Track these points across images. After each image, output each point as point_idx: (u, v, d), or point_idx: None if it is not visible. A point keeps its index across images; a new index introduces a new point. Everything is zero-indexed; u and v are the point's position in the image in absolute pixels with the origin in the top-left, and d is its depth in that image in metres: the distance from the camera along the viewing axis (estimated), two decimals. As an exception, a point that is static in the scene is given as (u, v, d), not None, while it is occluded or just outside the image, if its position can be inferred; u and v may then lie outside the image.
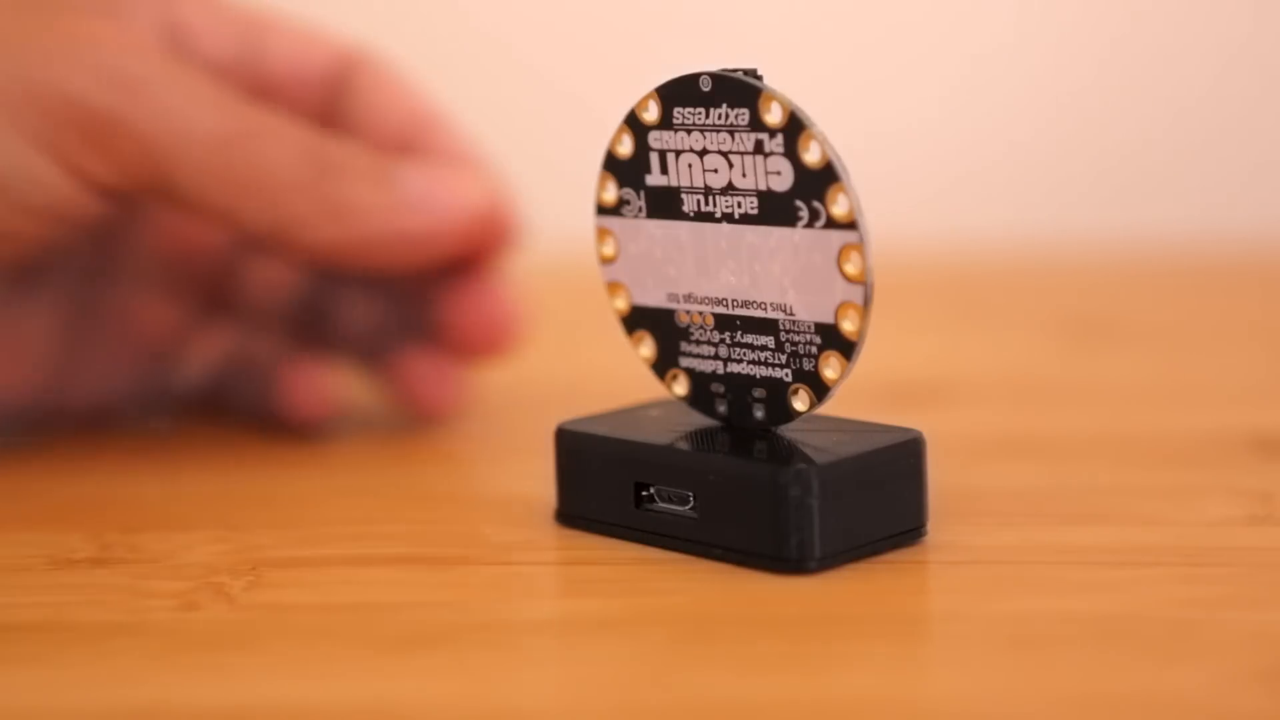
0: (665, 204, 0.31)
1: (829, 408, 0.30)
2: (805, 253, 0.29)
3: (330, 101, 0.40)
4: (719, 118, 0.30)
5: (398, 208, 0.36)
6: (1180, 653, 0.26)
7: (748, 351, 0.31)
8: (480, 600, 0.29)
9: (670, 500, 0.31)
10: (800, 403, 0.30)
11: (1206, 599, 0.28)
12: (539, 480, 0.34)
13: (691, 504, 0.30)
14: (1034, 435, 0.40)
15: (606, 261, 0.32)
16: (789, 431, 0.31)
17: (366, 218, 0.36)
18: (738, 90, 0.30)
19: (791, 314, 0.30)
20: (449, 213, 0.37)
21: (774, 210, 0.30)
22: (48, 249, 0.37)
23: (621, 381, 0.41)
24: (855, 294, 0.29)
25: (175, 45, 0.38)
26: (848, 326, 0.29)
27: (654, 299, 0.32)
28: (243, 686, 0.26)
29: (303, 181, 0.35)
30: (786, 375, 0.30)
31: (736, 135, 0.30)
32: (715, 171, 0.30)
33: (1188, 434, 0.39)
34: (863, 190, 0.29)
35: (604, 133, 0.32)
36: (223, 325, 0.42)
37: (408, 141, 0.40)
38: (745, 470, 0.29)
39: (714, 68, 0.30)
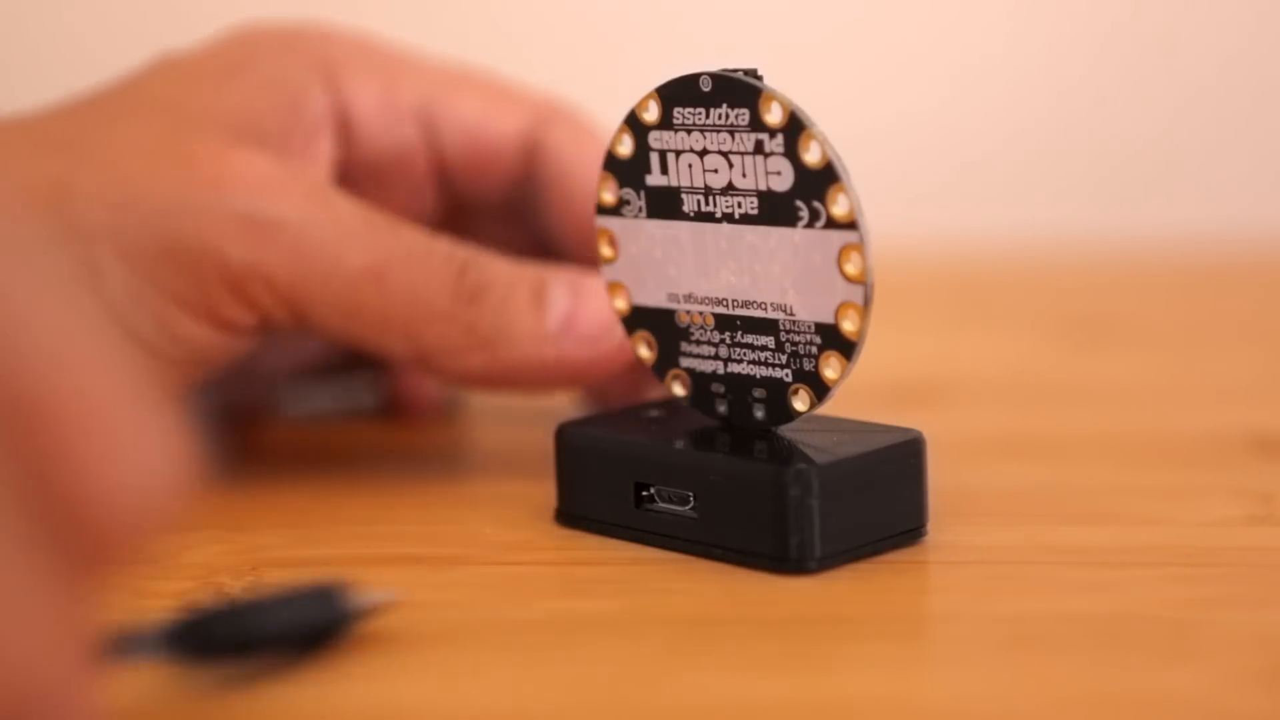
0: (665, 204, 0.31)
1: (829, 408, 0.30)
2: (805, 253, 0.29)
3: (523, 167, 0.39)
4: (719, 118, 0.30)
5: (548, 337, 0.35)
6: (1180, 653, 0.26)
7: (748, 351, 0.31)
8: (480, 600, 0.29)
9: (670, 500, 0.31)
10: (800, 403, 0.30)
11: (1206, 599, 0.28)
12: (539, 480, 0.34)
13: (692, 504, 0.30)
14: (1034, 435, 0.40)
15: (606, 262, 0.32)
16: (789, 432, 0.31)
17: (517, 345, 0.34)
18: (738, 90, 0.29)
19: (792, 314, 0.30)
20: (597, 342, 0.35)
21: (774, 210, 0.30)
22: (201, 379, 0.36)
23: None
24: (855, 294, 0.29)
25: (345, 146, 0.37)
26: (848, 326, 0.29)
27: (654, 299, 0.32)
28: (241, 686, 0.25)
29: (448, 311, 0.34)
30: (787, 375, 0.30)
31: (737, 135, 0.30)
32: (715, 171, 0.30)
33: (1188, 434, 0.39)
34: (863, 190, 0.29)
35: (604, 133, 0.32)
36: None
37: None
38: (746, 470, 0.29)
39: (714, 68, 0.30)
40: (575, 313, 0.34)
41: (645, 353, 0.32)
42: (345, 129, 0.37)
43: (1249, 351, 0.50)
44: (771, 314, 0.30)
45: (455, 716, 0.25)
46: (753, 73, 0.30)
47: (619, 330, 0.33)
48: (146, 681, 0.26)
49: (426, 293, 0.34)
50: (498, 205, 0.40)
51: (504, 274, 0.35)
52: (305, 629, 0.26)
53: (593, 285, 0.34)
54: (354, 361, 0.41)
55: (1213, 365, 0.48)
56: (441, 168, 0.39)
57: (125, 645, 0.25)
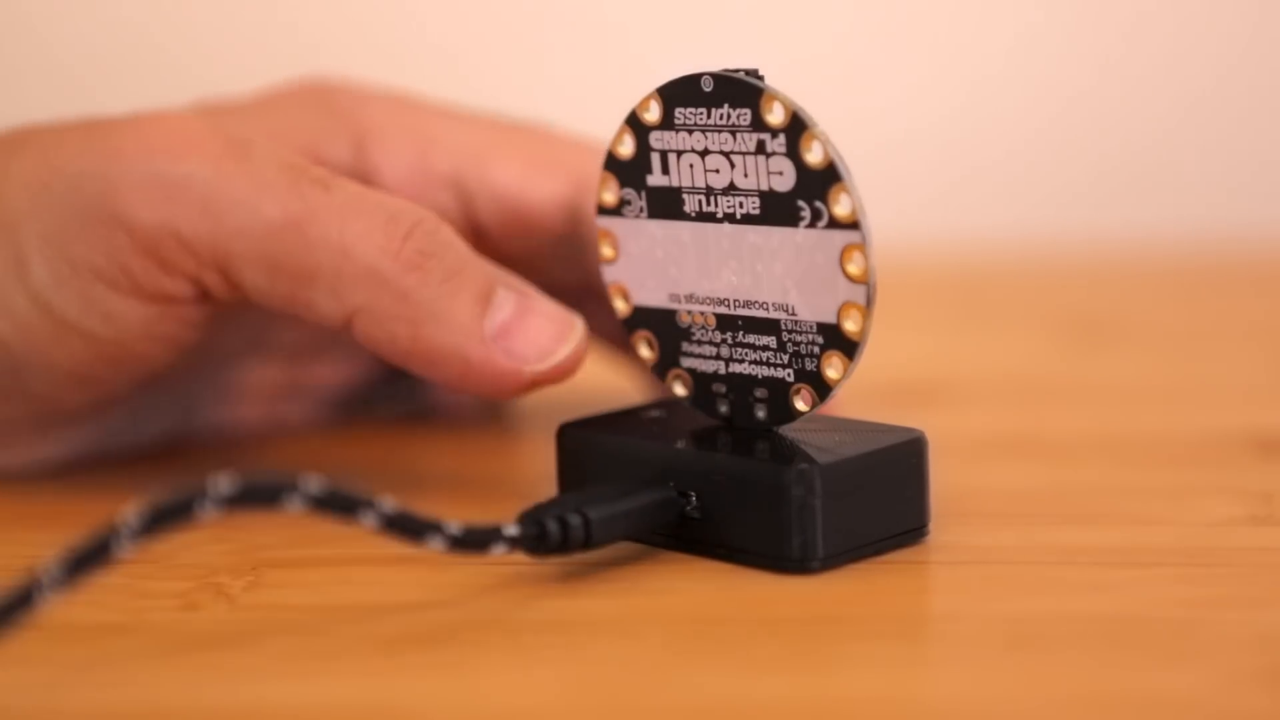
0: (666, 204, 0.31)
1: (831, 407, 0.30)
2: (807, 253, 0.29)
3: (566, 230, 0.38)
4: (720, 118, 0.30)
5: (479, 336, 0.32)
6: (1181, 653, 0.26)
7: (749, 351, 0.31)
8: (480, 600, 0.29)
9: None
10: (802, 403, 0.30)
11: (1207, 599, 0.28)
12: (540, 480, 0.34)
13: (694, 504, 0.30)
14: (1034, 435, 0.40)
15: (607, 262, 0.32)
16: (791, 431, 0.31)
17: (445, 330, 0.32)
18: (739, 90, 0.29)
19: (793, 314, 0.30)
20: (524, 362, 0.33)
21: (776, 210, 0.29)
22: (164, 362, 0.35)
23: (623, 381, 0.41)
24: (858, 294, 0.29)
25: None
26: (850, 326, 0.29)
27: (655, 299, 0.32)
28: (243, 687, 0.25)
29: (382, 269, 0.32)
30: (788, 375, 0.30)
31: (738, 135, 0.30)
32: (717, 172, 0.30)
33: (1188, 434, 0.39)
34: (864, 192, 0.29)
35: (605, 133, 0.32)
36: None
37: None
38: (748, 470, 0.29)
39: (716, 68, 0.30)
40: (514, 326, 0.33)
41: (646, 353, 0.32)
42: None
43: (1250, 351, 0.50)
44: (773, 314, 0.30)
45: (455, 716, 0.25)
46: (754, 73, 0.29)
47: (552, 361, 0.33)
48: (146, 679, 0.26)
49: (359, 247, 0.32)
50: (543, 259, 0.38)
51: (457, 253, 0.33)
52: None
53: (544, 308, 0.33)
54: (394, 374, 0.41)
55: (1213, 365, 0.48)
56: (478, 233, 0.38)
57: (480, 538, 0.28)
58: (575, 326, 0.33)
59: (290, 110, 0.37)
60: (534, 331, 0.33)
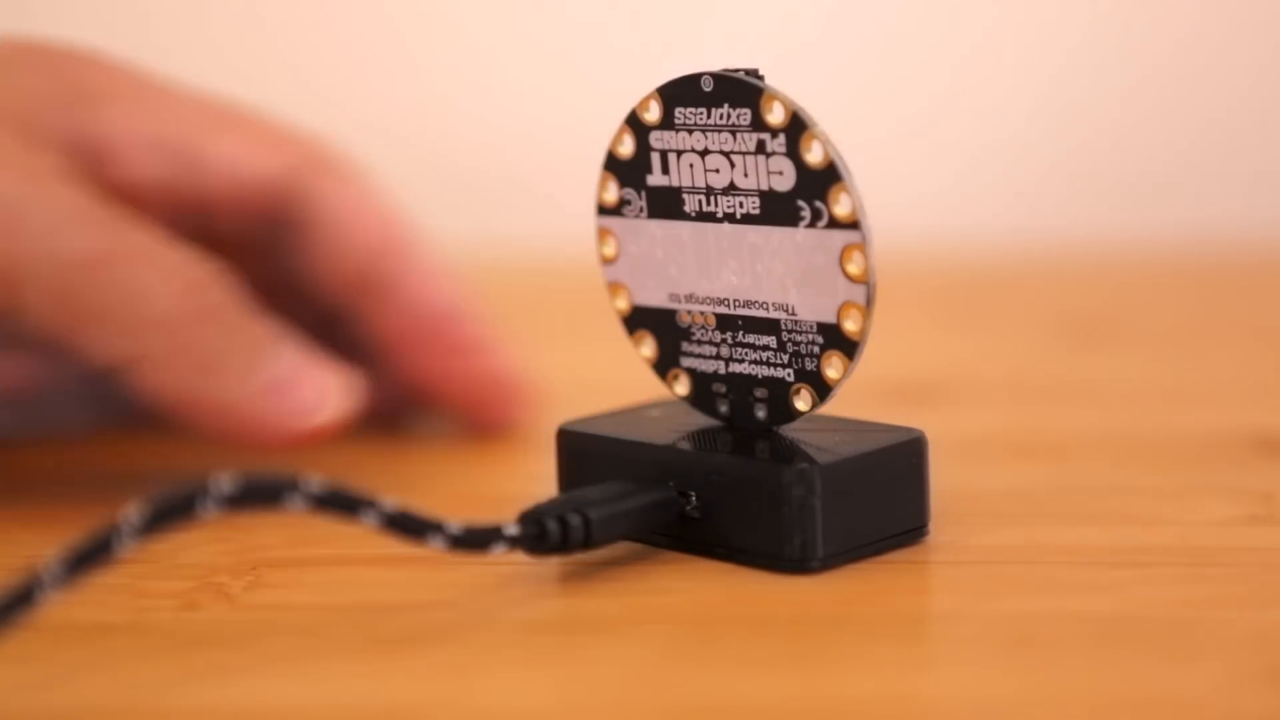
0: (667, 204, 0.31)
1: (830, 407, 0.30)
2: (807, 253, 0.29)
3: (282, 210, 0.38)
4: (720, 118, 0.30)
5: (251, 393, 0.33)
6: (1182, 653, 0.26)
7: (749, 351, 0.31)
8: (480, 600, 0.29)
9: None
10: (802, 403, 0.30)
11: (1208, 599, 0.28)
12: (540, 480, 0.33)
13: (693, 504, 0.30)
14: (1034, 435, 0.40)
15: (607, 262, 0.32)
16: (791, 431, 0.31)
17: (220, 385, 0.33)
18: (739, 90, 0.29)
19: (793, 314, 0.30)
20: (290, 426, 0.34)
21: (776, 210, 0.29)
22: None
23: (623, 381, 0.41)
24: (858, 294, 0.29)
25: (91, 167, 0.36)
26: (850, 326, 0.29)
27: (655, 299, 0.32)
28: (243, 686, 0.25)
29: (167, 319, 0.33)
30: (788, 375, 0.30)
31: (738, 135, 0.29)
32: (717, 171, 0.30)
33: (1188, 434, 0.39)
34: (865, 190, 0.28)
35: (605, 132, 0.32)
36: None
37: (363, 272, 0.38)
38: (747, 470, 0.29)
39: (716, 68, 0.30)
40: (288, 383, 0.34)
41: (647, 352, 0.32)
42: (97, 155, 0.36)
43: (1249, 351, 0.50)
44: (773, 314, 0.30)
45: (455, 716, 0.25)
46: (754, 73, 0.29)
47: (320, 419, 0.34)
48: (146, 678, 0.26)
49: (148, 294, 0.33)
50: (255, 245, 0.39)
51: (240, 311, 0.34)
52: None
53: (316, 368, 0.34)
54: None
55: (1213, 365, 0.48)
56: (200, 203, 0.38)
57: (480, 538, 0.28)
58: (345, 386, 0.34)
59: (8, 70, 0.37)
60: (307, 389, 0.34)
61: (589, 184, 0.33)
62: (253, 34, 0.74)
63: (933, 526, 0.31)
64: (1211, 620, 0.27)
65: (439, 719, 0.25)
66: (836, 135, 0.29)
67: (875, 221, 0.29)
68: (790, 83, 0.30)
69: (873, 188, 0.31)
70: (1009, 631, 0.27)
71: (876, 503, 0.30)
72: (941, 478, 0.31)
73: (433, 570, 0.30)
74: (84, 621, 0.28)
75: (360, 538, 0.33)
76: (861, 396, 0.33)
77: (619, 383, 0.41)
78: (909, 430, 0.30)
